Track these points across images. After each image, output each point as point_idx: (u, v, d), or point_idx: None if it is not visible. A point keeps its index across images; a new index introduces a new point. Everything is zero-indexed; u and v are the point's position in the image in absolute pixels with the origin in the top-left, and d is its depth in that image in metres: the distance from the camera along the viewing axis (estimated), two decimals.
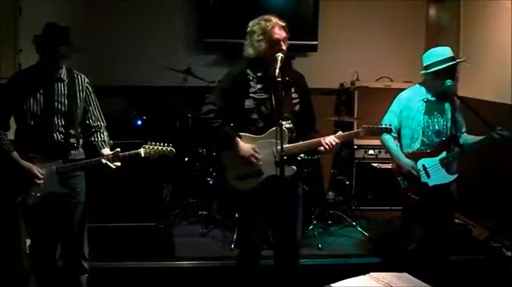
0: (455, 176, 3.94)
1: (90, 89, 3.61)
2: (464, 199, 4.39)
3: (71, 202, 3.54)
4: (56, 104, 3.46)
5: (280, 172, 3.17)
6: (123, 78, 5.84)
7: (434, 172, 3.90)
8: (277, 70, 3.29)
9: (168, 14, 6.00)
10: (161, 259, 4.50)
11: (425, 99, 3.96)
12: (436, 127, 3.93)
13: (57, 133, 3.46)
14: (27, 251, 3.95)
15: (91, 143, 3.60)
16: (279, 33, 3.41)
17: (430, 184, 3.90)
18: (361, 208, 5.73)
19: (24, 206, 3.42)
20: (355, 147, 5.96)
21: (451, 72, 3.86)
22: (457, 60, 3.92)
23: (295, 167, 3.44)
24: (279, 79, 3.28)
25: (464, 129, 4.01)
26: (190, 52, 6.06)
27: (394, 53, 6.20)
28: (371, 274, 2.99)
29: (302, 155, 4.02)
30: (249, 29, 3.48)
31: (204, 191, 5.37)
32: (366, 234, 5.14)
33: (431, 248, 4.03)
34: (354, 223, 5.29)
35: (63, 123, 3.47)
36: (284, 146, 3.20)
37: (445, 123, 3.93)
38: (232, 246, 4.65)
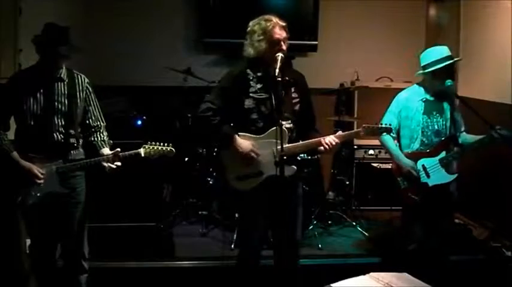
0: (455, 176, 3.94)
1: (90, 89, 3.62)
2: (464, 199, 4.39)
3: (71, 202, 3.54)
4: (56, 104, 3.46)
5: (280, 172, 3.17)
6: (123, 78, 5.84)
7: (434, 172, 3.90)
8: (277, 70, 3.29)
9: (168, 14, 6.00)
10: (161, 259, 4.50)
11: (424, 99, 3.96)
12: (436, 127, 3.93)
13: (57, 133, 3.46)
14: (27, 251, 3.96)
15: (91, 143, 3.60)
16: (280, 33, 3.41)
17: (430, 184, 3.90)
18: (361, 208, 5.73)
19: (24, 206, 3.42)
20: (355, 147, 5.96)
21: (449, 71, 3.86)
22: (455, 59, 3.92)
23: (295, 167, 3.44)
24: (279, 79, 3.28)
25: (463, 129, 4.01)
26: (190, 52, 6.06)
27: (394, 53, 6.19)
28: (371, 274, 2.99)
29: (302, 155, 4.03)
30: (249, 28, 3.48)
31: (204, 191, 5.37)
32: (366, 234, 5.14)
33: (431, 248, 4.04)
34: (354, 223, 5.29)
35: (63, 123, 3.47)
36: (284, 146, 3.20)
37: (444, 123, 3.93)
38: (232, 246, 4.65)
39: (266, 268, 3.63)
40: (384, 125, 3.63)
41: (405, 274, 3.03)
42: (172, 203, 5.52)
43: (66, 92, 3.49)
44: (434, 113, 3.94)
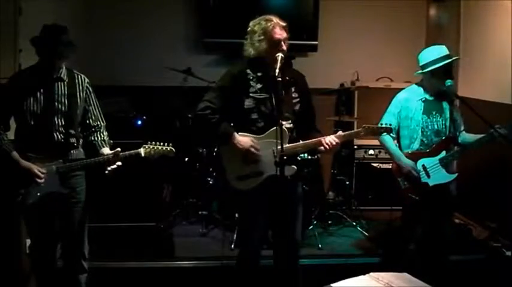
0: (455, 176, 3.94)
1: (90, 89, 3.62)
2: (464, 199, 4.39)
3: (71, 201, 3.53)
4: (56, 104, 3.46)
5: (280, 171, 3.17)
6: (123, 78, 5.85)
7: (434, 172, 3.90)
8: (277, 70, 3.29)
9: (168, 14, 6.00)
10: (161, 259, 4.50)
11: (424, 99, 3.96)
12: (435, 127, 3.93)
13: (57, 133, 3.46)
14: (27, 251, 3.96)
15: (91, 143, 3.60)
16: (280, 34, 3.41)
17: (431, 184, 3.90)
18: (361, 208, 5.73)
19: (24, 206, 3.42)
20: (355, 147, 5.97)
21: (447, 70, 3.86)
22: (453, 58, 3.92)
23: (295, 167, 3.44)
24: (279, 79, 3.29)
25: (462, 128, 4.01)
26: (190, 52, 6.06)
27: (394, 53, 6.19)
28: (371, 274, 2.98)
29: (302, 155, 4.03)
30: (249, 28, 3.48)
31: (204, 191, 5.38)
32: (366, 234, 5.14)
33: (431, 248, 4.04)
34: (354, 223, 5.30)
35: (63, 123, 3.47)
36: (284, 146, 3.20)
37: (444, 122, 3.93)
38: (232, 246, 4.66)
39: (266, 268, 3.63)
40: (384, 125, 3.63)
41: (405, 274, 3.02)
42: (172, 203, 5.53)
43: (66, 92, 3.49)
44: (434, 112, 3.94)
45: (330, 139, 3.40)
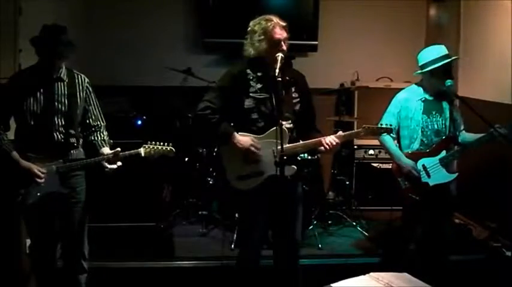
0: (455, 175, 3.94)
1: (90, 88, 3.62)
2: (464, 199, 4.39)
3: (71, 201, 3.53)
4: (56, 103, 3.46)
5: (280, 171, 3.17)
6: (123, 78, 5.85)
7: (435, 172, 3.90)
8: (277, 70, 3.29)
9: (168, 14, 6.00)
10: (161, 259, 4.50)
11: (423, 99, 3.96)
12: (435, 126, 3.93)
13: (58, 133, 3.46)
14: (27, 251, 3.96)
15: (91, 143, 3.60)
16: (280, 34, 3.41)
17: (431, 184, 3.90)
18: (361, 208, 5.73)
19: (24, 206, 3.42)
20: (355, 147, 5.97)
21: (447, 70, 3.86)
22: (452, 58, 3.91)
23: (295, 167, 3.43)
24: (279, 79, 3.29)
25: (462, 128, 4.01)
26: (190, 52, 6.06)
27: (394, 53, 6.19)
28: (371, 274, 2.98)
29: (302, 155, 4.03)
30: (249, 28, 3.48)
31: (204, 191, 5.37)
32: (366, 234, 5.14)
33: (431, 248, 4.04)
34: (354, 223, 5.29)
35: (63, 123, 3.47)
36: (284, 146, 3.20)
37: (443, 122, 3.93)
38: (232, 246, 4.66)
39: (266, 268, 3.63)
40: (384, 126, 3.63)
41: (405, 274, 3.02)
42: (172, 203, 5.53)
43: (66, 92, 3.49)
44: (434, 112, 3.94)
45: (330, 139, 3.40)
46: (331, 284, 2.85)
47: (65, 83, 3.50)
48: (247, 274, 3.62)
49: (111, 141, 3.66)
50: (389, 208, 4.97)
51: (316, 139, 3.44)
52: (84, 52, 4.72)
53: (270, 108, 3.40)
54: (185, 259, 4.52)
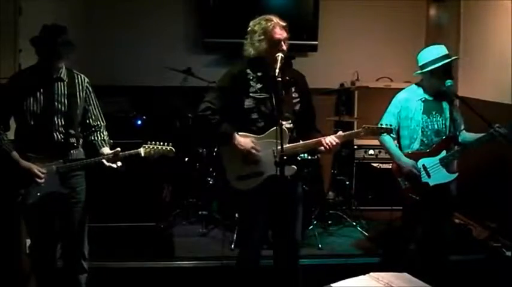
0: (455, 175, 3.94)
1: (90, 88, 3.62)
2: (464, 199, 4.39)
3: (71, 201, 3.53)
4: (56, 103, 3.46)
5: (280, 171, 3.17)
6: (123, 78, 5.85)
7: (435, 172, 3.90)
8: (277, 70, 3.29)
9: (168, 14, 6.00)
10: (161, 259, 4.50)
11: (423, 99, 3.95)
12: (435, 127, 3.93)
13: (57, 133, 3.46)
14: (27, 251, 3.95)
15: (91, 143, 3.60)
16: (280, 34, 3.41)
17: (431, 184, 3.89)
18: (361, 208, 5.73)
19: (24, 206, 3.42)
20: (355, 147, 5.97)
21: (447, 70, 3.86)
22: (452, 58, 3.91)
23: (295, 167, 3.43)
24: (279, 79, 3.29)
25: (463, 127, 4.01)
26: (190, 52, 6.06)
27: (394, 53, 6.19)
28: (371, 274, 2.98)
29: (302, 155, 4.03)
30: (249, 28, 3.48)
31: (204, 191, 5.37)
32: (366, 234, 5.14)
33: (431, 248, 4.04)
34: (354, 223, 5.29)
35: (63, 123, 3.47)
36: (284, 146, 3.20)
37: (444, 122, 3.93)
38: (232, 246, 4.66)
39: (266, 268, 3.63)
40: (384, 126, 3.63)
41: (405, 274, 3.02)
42: (172, 203, 5.53)
43: (66, 92, 3.49)
44: (434, 112, 3.94)
45: (330, 139, 3.40)
46: (331, 284, 2.85)
47: (65, 83, 3.50)
48: (247, 274, 3.62)
49: (111, 141, 3.66)
50: (389, 208, 4.98)
51: (316, 139, 3.44)
52: (84, 52, 4.72)
53: (270, 108, 3.40)
54: (185, 259, 4.52)
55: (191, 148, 5.50)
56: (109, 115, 3.84)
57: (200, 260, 4.49)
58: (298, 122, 3.51)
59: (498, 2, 5.18)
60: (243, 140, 3.40)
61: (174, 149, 3.55)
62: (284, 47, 3.41)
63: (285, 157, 3.16)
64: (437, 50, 3.90)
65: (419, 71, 3.97)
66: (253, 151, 3.38)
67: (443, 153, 3.90)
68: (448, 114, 3.93)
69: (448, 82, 3.83)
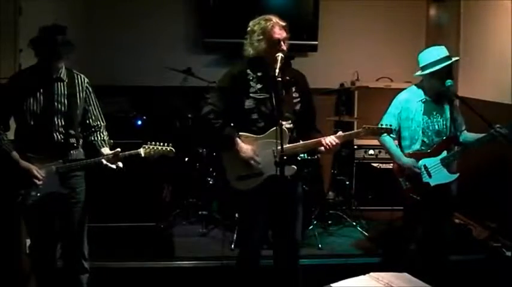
0: (456, 176, 3.93)
1: (90, 89, 3.61)
2: (464, 199, 4.39)
3: (70, 202, 3.53)
4: (55, 104, 3.46)
5: (280, 171, 3.17)
6: (123, 78, 5.85)
7: (436, 172, 3.90)
8: (277, 70, 3.29)
9: (168, 14, 6.00)
10: (161, 259, 4.50)
11: (424, 100, 3.95)
12: (436, 127, 3.93)
13: (57, 133, 3.46)
14: (27, 251, 3.95)
15: (91, 143, 3.60)
16: (279, 33, 3.41)
17: (432, 184, 3.89)
18: (361, 208, 5.73)
19: (24, 206, 3.42)
20: (355, 147, 5.97)
21: (447, 71, 3.86)
22: (453, 59, 3.91)
23: (295, 167, 3.43)
24: (279, 79, 3.28)
25: (464, 128, 4.01)
26: (190, 52, 6.06)
27: (394, 53, 6.19)
28: (371, 274, 2.98)
29: (302, 155, 4.03)
30: (249, 28, 3.48)
31: (204, 191, 5.37)
32: (366, 234, 5.14)
33: (431, 248, 4.03)
34: (354, 223, 5.29)
35: (63, 123, 3.47)
36: (284, 146, 3.20)
37: (444, 122, 3.93)
38: (232, 246, 4.66)
39: (266, 268, 3.63)
40: (384, 126, 3.63)
41: (405, 274, 3.03)
42: (172, 203, 5.52)
43: (66, 92, 3.49)
44: (434, 113, 3.94)
45: (330, 139, 3.40)
46: (331, 284, 2.86)
47: (65, 83, 3.50)
48: (247, 274, 3.62)
49: (111, 141, 3.66)
50: (390, 208, 4.98)
51: (316, 139, 3.44)
52: (84, 52, 4.72)
53: (270, 108, 3.39)
54: (185, 259, 4.52)
55: (191, 148, 5.50)
56: (109, 115, 3.84)
57: (200, 260, 4.49)
58: (298, 122, 3.51)
59: (498, 2, 5.18)
60: (245, 147, 3.40)
61: (174, 150, 3.55)
62: (284, 47, 3.41)
63: (285, 157, 3.16)
64: (438, 51, 3.89)
65: (419, 73, 3.97)
66: (252, 162, 3.40)
67: (444, 153, 3.90)
68: (448, 115, 3.93)
69: (448, 82, 3.82)
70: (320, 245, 4.80)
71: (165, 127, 5.61)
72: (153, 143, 3.55)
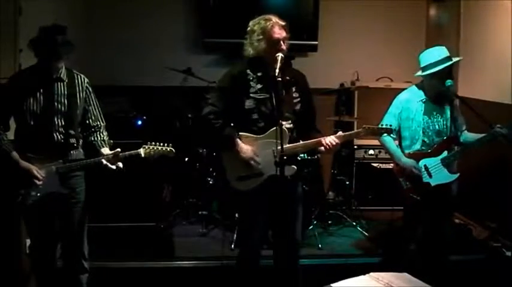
0: (457, 176, 3.93)
1: (90, 89, 3.61)
2: (465, 199, 4.39)
3: (70, 202, 3.53)
4: (55, 104, 3.46)
5: (280, 171, 3.17)
6: (123, 78, 5.85)
7: (436, 172, 3.90)
8: (277, 70, 3.29)
9: (168, 14, 6.00)
10: (161, 259, 4.50)
11: (424, 100, 3.95)
12: (436, 127, 3.93)
13: (57, 133, 3.46)
14: (27, 251, 3.95)
15: (91, 143, 3.60)
16: (279, 33, 3.41)
17: (433, 184, 3.89)
18: (361, 208, 5.73)
19: (24, 206, 3.42)
20: (355, 147, 5.97)
21: (448, 71, 3.86)
22: (454, 60, 3.91)
23: (295, 167, 3.43)
24: (279, 79, 3.28)
25: (464, 128, 4.01)
26: (190, 52, 6.06)
27: (394, 53, 6.20)
28: (371, 274, 2.98)
29: (302, 155, 4.03)
30: (249, 28, 3.48)
31: (204, 191, 5.37)
32: (366, 234, 5.14)
33: (431, 248, 4.03)
34: (354, 223, 5.29)
35: (63, 123, 3.47)
36: (284, 146, 3.20)
37: (445, 123, 3.93)
38: (232, 246, 4.66)
39: (266, 268, 3.63)
40: (384, 126, 3.63)
41: (405, 274, 3.02)
42: (172, 203, 5.53)
43: (66, 92, 3.49)
44: (435, 113, 3.94)
45: (330, 139, 3.40)
46: (331, 284, 2.85)
47: (65, 83, 3.50)
48: (247, 274, 3.62)
49: (111, 141, 3.66)
50: (390, 208, 4.99)
51: (316, 139, 3.44)
52: (84, 52, 4.72)
53: (270, 108, 3.39)
54: (185, 259, 4.52)
55: (191, 148, 5.50)
56: (109, 115, 3.84)
57: (200, 260, 4.49)
58: (298, 122, 3.51)
59: (498, 2, 5.18)
60: (245, 148, 3.40)
61: (174, 150, 3.55)
62: (283, 47, 3.41)
63: (285, 157, 3.16)
64: (439, 52, 3.89)
65: (420, 73, 3.97)
66: (252, 163, 3.39)
67: (445, 153, 3.90)
68: (449, 115, 3.93)
69: (448, 82, 3.82)
70: (320, 245, 4.80)
71: (165, 127, 5.61)
72: (153, 143, 3.54)
